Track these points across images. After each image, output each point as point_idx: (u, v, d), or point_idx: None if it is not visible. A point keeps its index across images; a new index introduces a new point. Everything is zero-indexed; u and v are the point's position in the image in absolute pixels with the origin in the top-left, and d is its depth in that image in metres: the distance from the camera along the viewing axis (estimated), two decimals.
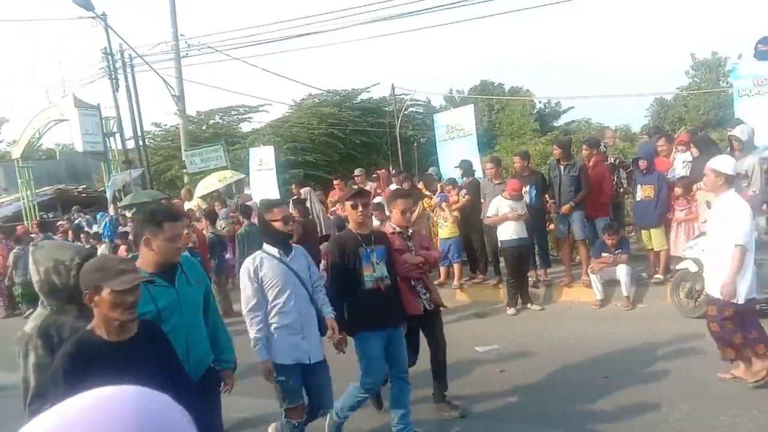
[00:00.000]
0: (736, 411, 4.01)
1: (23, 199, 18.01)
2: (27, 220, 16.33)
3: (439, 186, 8.95)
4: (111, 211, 15.35)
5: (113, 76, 16.22)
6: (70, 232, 12.28)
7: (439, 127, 11.09)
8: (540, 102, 29.66)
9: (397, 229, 4.43)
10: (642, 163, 7.36)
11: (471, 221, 8.29)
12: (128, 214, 13.19)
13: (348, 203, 4.07)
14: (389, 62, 63.01)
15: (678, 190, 6.97)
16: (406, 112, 20.51)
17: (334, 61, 70.63)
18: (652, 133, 8.82)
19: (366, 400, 4.18)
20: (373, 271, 3.94)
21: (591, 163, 7.69)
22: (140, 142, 16.80)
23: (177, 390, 2.16)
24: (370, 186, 10.53)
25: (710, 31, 53.13)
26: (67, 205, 18.16)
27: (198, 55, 16.51)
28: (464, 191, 8.37)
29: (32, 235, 12.10)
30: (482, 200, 8.11)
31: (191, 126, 19.73)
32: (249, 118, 23.42)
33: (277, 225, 3.60)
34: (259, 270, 3.55)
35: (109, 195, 16.05)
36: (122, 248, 10.38)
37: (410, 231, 4.53)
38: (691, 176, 6.95)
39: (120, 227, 12.10)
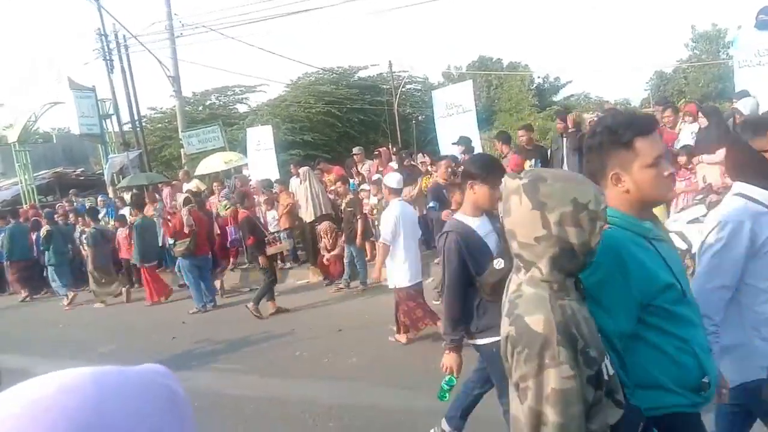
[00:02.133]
0: None
1: (21, 182, 17.95)
2: (26, 203, 16.29)
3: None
4: (110, 193, 15.33)
5: (107, 58, 16.05)
6: (70, 215, 12.29)
7: (438, 104, 11.02)
8: (539, 77, 29.48)
9: None
10: None
11: None
12: (126, 196, 13.18)
13: None
14: (386, 39, 62.41)
15: (681, 159, 6.90)
16: (403, 90, 20.36)
17: (330, 39, 69.92)
18: (660, 103, 8.74)
19: None
20: None
21: None
22: (137, 124, 16.69)
23: None
24: (369, 165, 10.53)
25: (710, 3, 52.52)
26: (65, 188, 18.09)
27: (192, 34, 16.35)
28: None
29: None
30: None
31: (188, 107, 19.60)
32: (245, 98, 23.27)
33: None
34: (756, 226, 2.02)
35: (107, 177, 16.02)
36: (121, 231, 10.39)
37: None
38: (695, 146, 6.87)
39: (119, 210, 12.07)
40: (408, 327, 5.72)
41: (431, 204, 6.74)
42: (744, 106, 6.61)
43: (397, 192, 5.76)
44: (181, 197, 10.60)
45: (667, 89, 31.11)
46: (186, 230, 8.40)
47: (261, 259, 7.75)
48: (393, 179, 5.88)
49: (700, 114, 7.14)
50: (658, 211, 7.27)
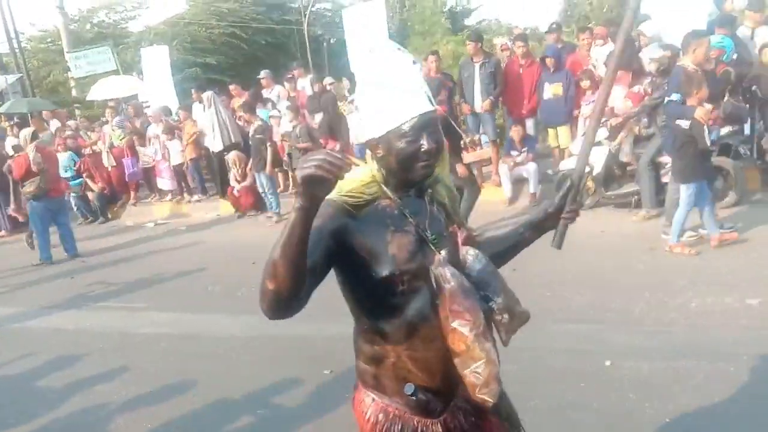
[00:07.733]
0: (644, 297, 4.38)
1: None
2: None
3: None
4: None
5: None
6: None
7: (348, 24, 10.56)
8: None
9: None
10: (549, 61, 7.40)
11: None
12: (7, 125, 11.91)
13: None
14: None
15: (585, 84, 7.04)
16: (313, 9, 19.37)
17: None
18: (553, 29, 8.70)
19: None
20: None
21: (524, 62, 7.57)
22: (15, 45, 14.91)
23: None
24: (278, 89, 10.03)
25: None
26: None
27: None
28: None
29: None
30: None
31: (73, 25, 17.71)
32: (138, 15, 21.29)
33: None
34: None
35: None
36: (11, 163, 9.11)
37: None
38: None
39: (8, 138, 10.59)
40: None
41: (674, 96, 4.68)
42: (648, 29, 6.79)
43: None
44: (24, 133, 9.00)
45: (575, 14, 31.74)
46: (34, 168, 7.41)
47: (459, 168, 6.03)
48: None
49: (609, 38, 7.28)
50: (563, 133, 7.54)
